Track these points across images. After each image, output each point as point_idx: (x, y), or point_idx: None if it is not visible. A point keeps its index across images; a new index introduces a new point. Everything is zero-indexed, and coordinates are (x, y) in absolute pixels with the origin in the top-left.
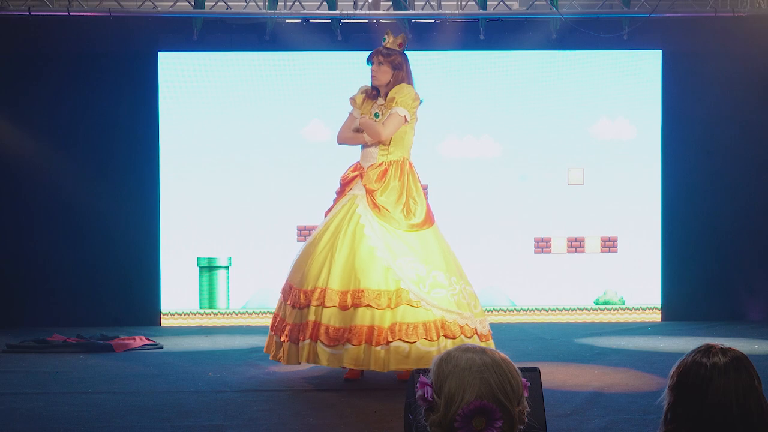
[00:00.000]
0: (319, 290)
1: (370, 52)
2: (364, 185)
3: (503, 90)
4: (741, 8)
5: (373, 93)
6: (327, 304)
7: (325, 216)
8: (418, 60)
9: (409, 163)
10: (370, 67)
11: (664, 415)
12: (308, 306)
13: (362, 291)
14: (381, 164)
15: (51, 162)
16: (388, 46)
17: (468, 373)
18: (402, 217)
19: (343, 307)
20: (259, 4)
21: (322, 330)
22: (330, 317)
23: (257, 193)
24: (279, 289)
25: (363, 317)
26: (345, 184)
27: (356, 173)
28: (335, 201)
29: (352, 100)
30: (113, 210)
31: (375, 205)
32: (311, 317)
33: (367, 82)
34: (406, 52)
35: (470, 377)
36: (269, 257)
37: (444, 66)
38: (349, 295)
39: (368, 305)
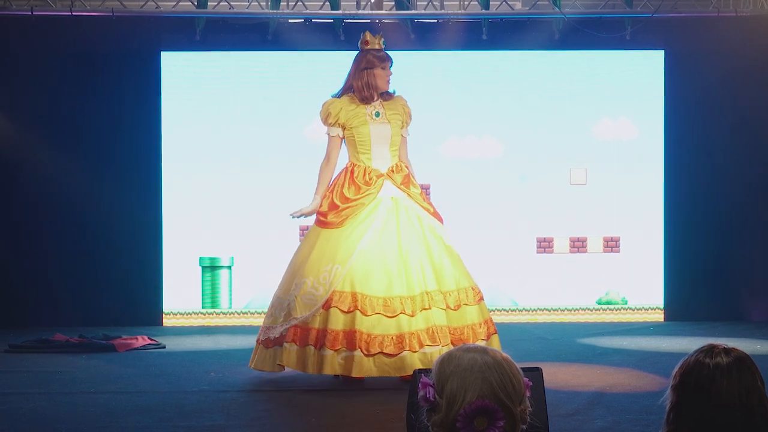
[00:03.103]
0: (451, 293)
1: (386, 53)
2: (405, 190)
3: (505, 90)
4: (743, 8)
5: (369, 94)
6: (465, 303)
7: (334, 223)
8: (420, 60)
9: None
10: (385, 71)
11: (666, 415)
12: (428, 309)
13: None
14: (399, 167)
15: (53, 162)
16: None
17: (469, 373)
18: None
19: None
20: (261, 3)
21: (470, 332)
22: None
23: (259, 193)
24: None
25: (482, 312)
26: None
27: (381, 178)
28: (349, 206)
29: (327, 120)
30: (116, 210)
31: (425, 207)
32: (455, 322)
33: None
34: (409, 52)
35: (472, 377)
36: (272, 257)
37: (446, 66)
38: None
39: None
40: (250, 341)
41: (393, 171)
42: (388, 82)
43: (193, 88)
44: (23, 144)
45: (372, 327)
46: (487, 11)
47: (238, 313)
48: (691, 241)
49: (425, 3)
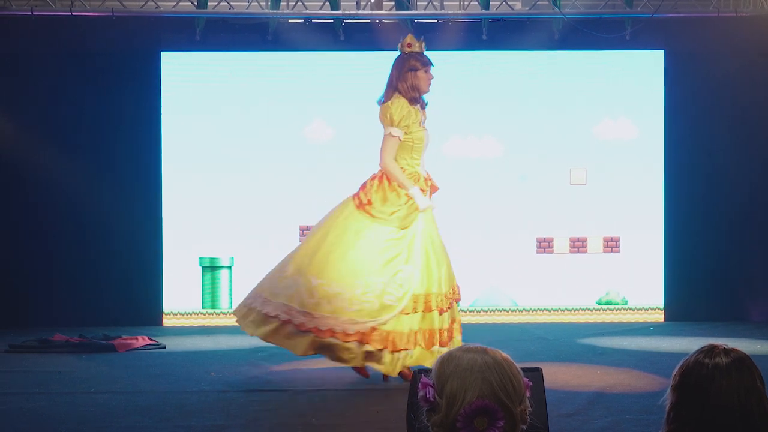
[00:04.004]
0: (454, 288)
1: (428, 57)
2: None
3: (505, 90)
4: (743, 8)
5: (415, 96)
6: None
7: (391, 220)
8: None
9: None
10: (427, 74)
11: (666, 415)
12: (449, 310)
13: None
14: (429, 174)
15: (53, 162)
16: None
17: (469, 373)
18: None
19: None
20: (261, 4)
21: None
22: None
23: (259, 193)
24: None
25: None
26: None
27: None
28: (408, 204)
29: (398, 122)
30: (116, 210)
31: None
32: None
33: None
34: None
35: (472, 377)
36: (272, 257)
37: (446, 66)
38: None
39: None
40: (250, 341)
41: (427, 178)
42: (430, 85)
43: (193, 88)
44: (23, 144)
45: (443, 322)
46: (487, 11)
47: None
48: (691, 241)
49: (425, 3)
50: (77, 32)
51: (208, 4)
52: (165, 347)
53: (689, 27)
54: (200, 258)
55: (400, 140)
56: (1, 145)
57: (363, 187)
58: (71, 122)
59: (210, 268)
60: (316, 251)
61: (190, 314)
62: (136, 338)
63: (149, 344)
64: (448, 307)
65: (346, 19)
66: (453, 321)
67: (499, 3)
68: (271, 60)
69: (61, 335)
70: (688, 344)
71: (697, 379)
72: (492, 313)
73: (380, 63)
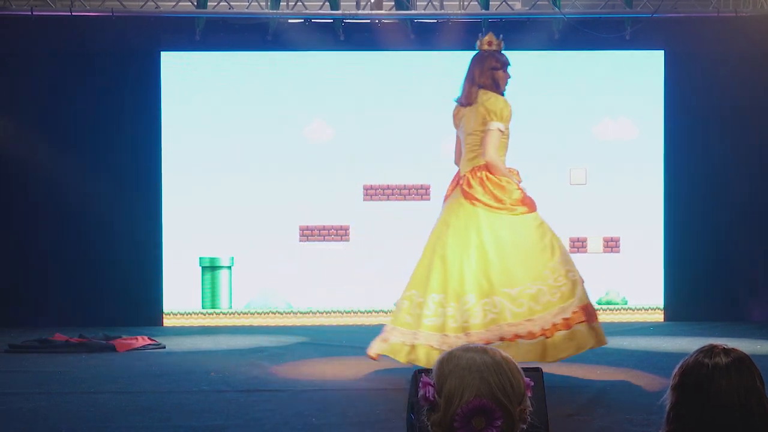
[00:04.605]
0: None
1: (507, 57)
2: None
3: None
4: (743, 9)
5: (498, 93)
6: None
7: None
8: (419, 60)
9: None
10: (506, 74)
11: (666, 415)
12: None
13: None
14: None
15: (53, 162)
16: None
17: (468, 373)
18: None
19: None
20: (261, 4)
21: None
22: None
23: (259, 193)
24: (280, 288)
25: None
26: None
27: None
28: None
29: (509, 117)
30: (116, 210)
31: None
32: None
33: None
34: (409, 52)
35: (470, 377)
36: (271, 257)
37: (446, 66)
38: None
39: None
40: (250, 341)
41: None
42: (507, 84)
43: (193, 88)
44: (23, 144)
45: None
46: (486, 11)
47: (238, 313)
48: (690, 241)
49: (425, 3)
50: (77, 32)
51: (208, 4)
52: (165, 347)
53: (689, 27)
54: (200, 258)
55: (504, 132)
56: (1, 144)
57: (469, 187)
58: (71, 122)
59: (210, 268)
60: (486, 267)
61: (190, 314)
62: (136, 338)
63: (149, 344)
64: None
65: (345, 19)
66: None
67: (498, 3)
68: (270, 60)
69: (61, 335)
70: (688, 344)
71: (697, 379)
72: None
73: (380, 63)
